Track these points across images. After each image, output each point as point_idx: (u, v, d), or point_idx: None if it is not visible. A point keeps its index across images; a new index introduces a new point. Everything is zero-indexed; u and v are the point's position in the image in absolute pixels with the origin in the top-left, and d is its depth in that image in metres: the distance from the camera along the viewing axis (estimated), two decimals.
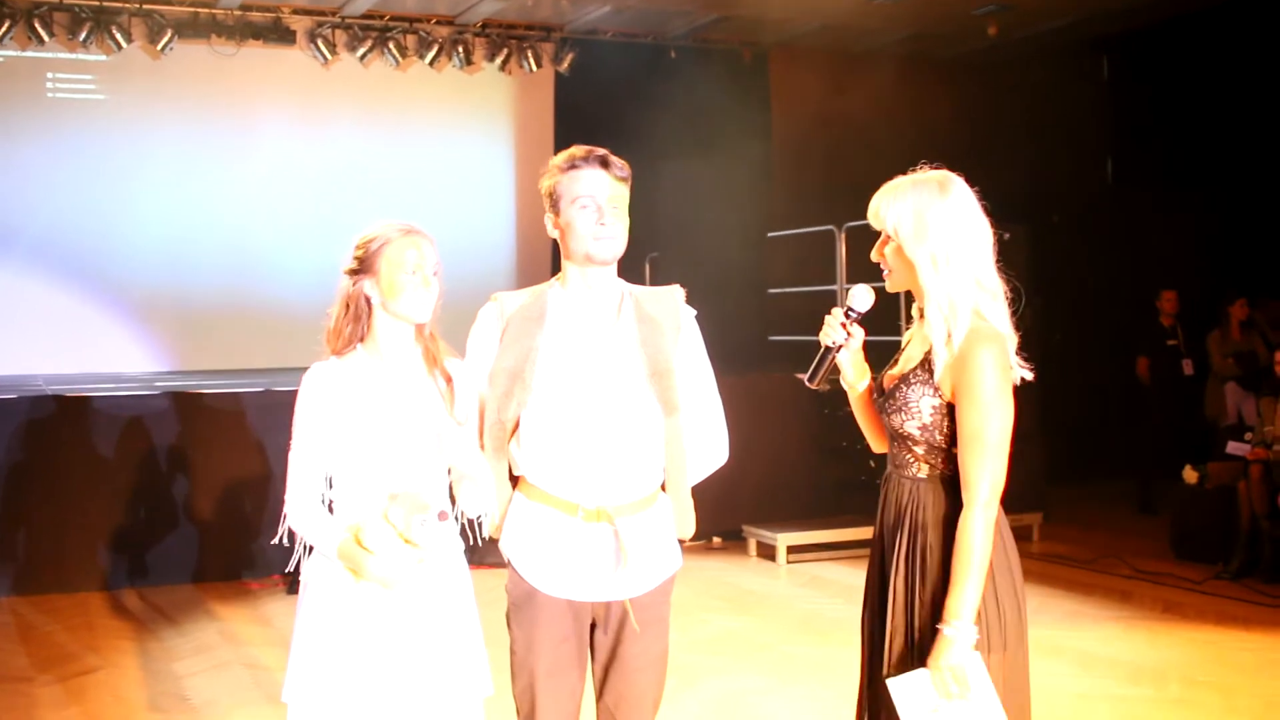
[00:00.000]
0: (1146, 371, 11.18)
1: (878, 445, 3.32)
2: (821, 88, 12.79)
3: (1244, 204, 12.10)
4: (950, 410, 2.96)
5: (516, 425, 3.40)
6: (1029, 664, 3.05)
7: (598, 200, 3.33)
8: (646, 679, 3.43)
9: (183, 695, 6.26)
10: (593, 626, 3.45)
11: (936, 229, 2.96)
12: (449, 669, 3.33)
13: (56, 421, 8.52)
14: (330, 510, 3.33)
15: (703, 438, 3.53)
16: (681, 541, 3.54)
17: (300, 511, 3.29)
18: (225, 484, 8.77)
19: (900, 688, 2.91)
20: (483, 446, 3.43)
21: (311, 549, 3.34)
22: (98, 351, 11.49)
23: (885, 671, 2.99)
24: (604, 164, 3.36)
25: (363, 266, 3.30)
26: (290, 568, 3.43)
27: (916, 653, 2.94)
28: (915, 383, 3.00)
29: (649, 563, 3.40)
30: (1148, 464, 11.20)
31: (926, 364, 2.99)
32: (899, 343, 3.20)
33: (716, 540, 9.73)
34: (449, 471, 3.39)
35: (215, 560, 8.77)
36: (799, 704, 6.03)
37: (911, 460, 3.04)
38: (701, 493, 3.57)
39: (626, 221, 3.40)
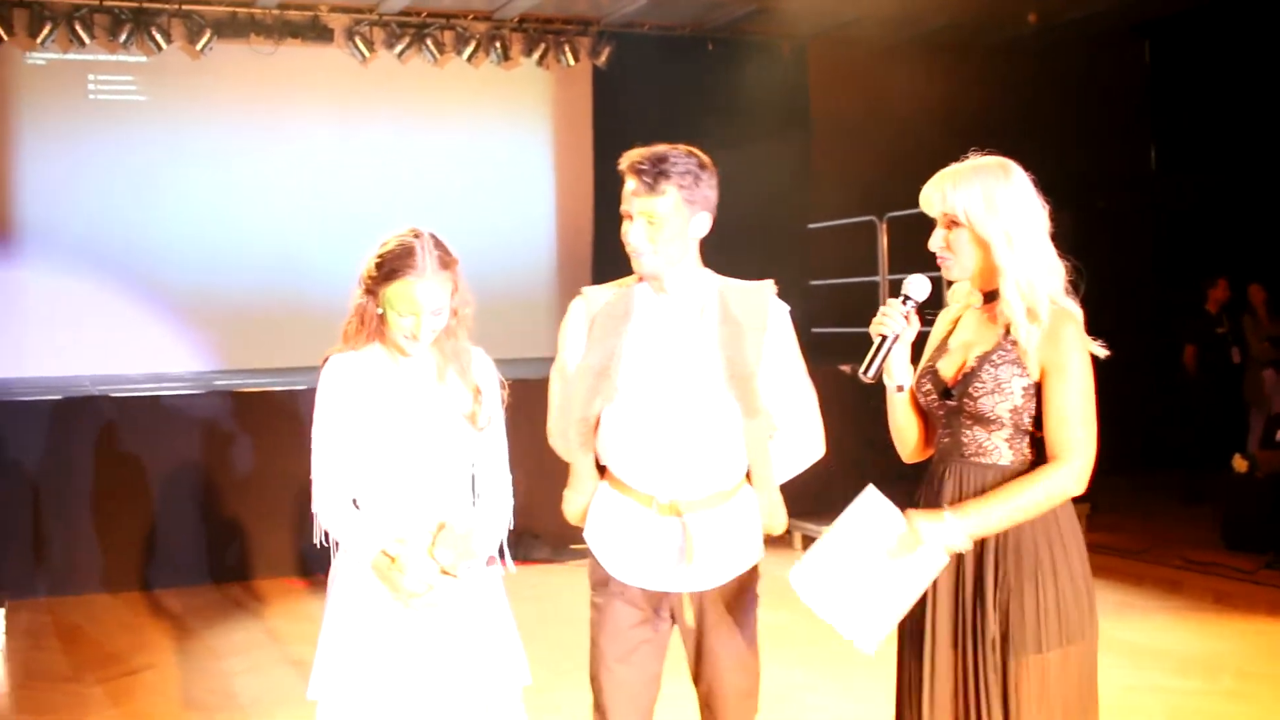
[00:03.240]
0: (1193, 360, 11.07)
1: (913, 450, 3.25)
2: (860, 78, 12.70)
3: None
4: (1038, 390, 2.94)
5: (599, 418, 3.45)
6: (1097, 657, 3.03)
7: (630, 212, 3.35)
8: (731, 670, 3.48)
9: (229, 693, 6.29)
10: (674, 618, 3.49)
11: (1007, 208, 2.95)
12: (484, 660, 3.35)
13: (102, 422, 8.56)
14: (356, 506, 3.34)
15: (793, 434, 3.53)
16: (768, 537, 3.56)
17: (331, 510, 3.30)
18: (269, 482, 8.79)
19: (868, 500, 2.98)
20: (564, 439, 3.52)
21: (334, 547, 3.35)
22: (141, 351, 11.55)
23: (984, 658, 2.97)
24: (635, 174, 3.33)
25: (370, 287, 3.29)
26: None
27: (1013, 643, 2.92)
28: (1002, 363, 2.96)
29: (719, 557, 3.42)
30: (1195, 453, 11.09)
31: (1009, 343, 2.96)
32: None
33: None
34: (473, 477, 3.43)
35: (257, 559, 8.80)
36: (842, 697, 6.00)
37: (993, 447, 3.00)
38: None
39: (671, 233, 3.33)
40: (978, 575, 2.97)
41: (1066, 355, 2.90)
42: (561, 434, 3.57)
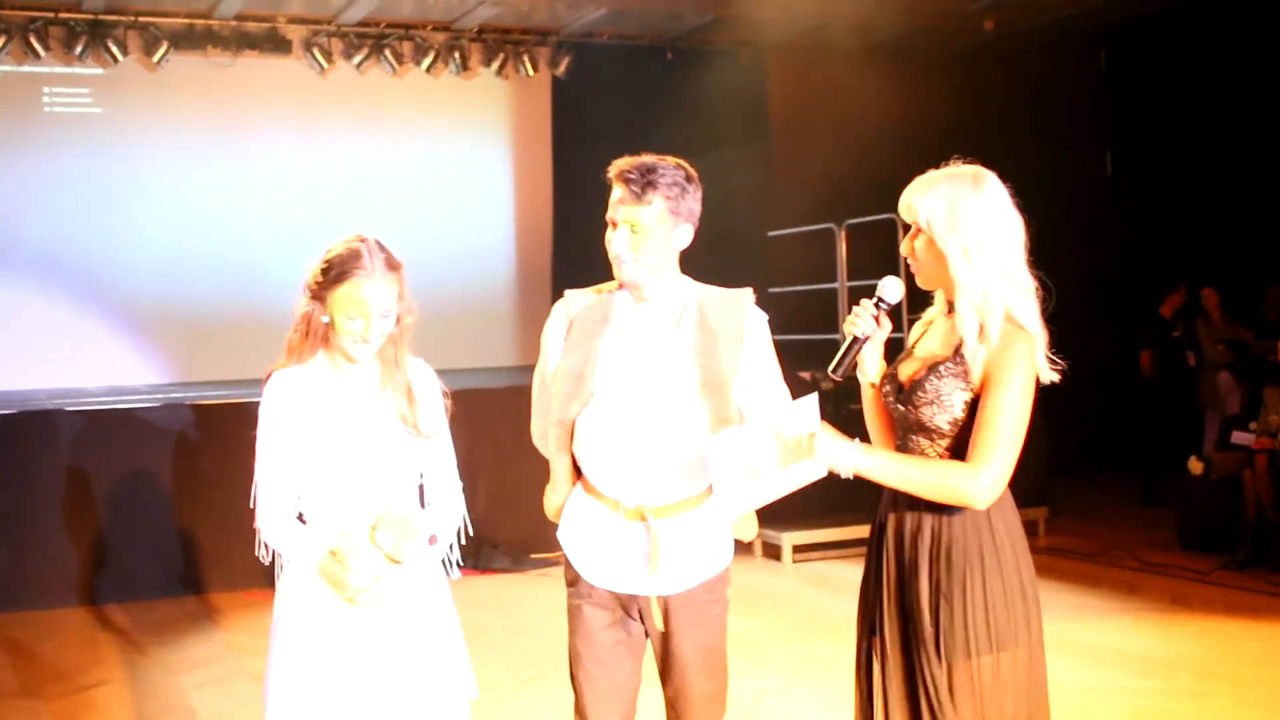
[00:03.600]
0: (1150, 364, 11.17)
1: (883, 442, 3.29)
2: (819, 87, 12.74)
3: (1242, 195, 12.06)
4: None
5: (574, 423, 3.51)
6: (1044, 661, 3.03)
7: (616, 220, 3.38)
8: (698, 674, 3.51)
9: (187, 708, 6.25)
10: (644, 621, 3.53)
11: (970, 222, 2.93)
12: (431, 673, 3.35)
13: (61, 436, 8.50)
14: (301, 521, 3.34)
15: None
16: (736, 544, 3.61)
17: (274, 524, 3.31)
18: (231, 494, 8.62)
19: (720, 446, 2.97)
20: (545, 441, 3.58)
21: (279, 561, 3.36)
22: (98, 364, 11.46)
23: (918, 661, 2.97)
24: (623, 183, 3.36)
25: (316, 293, 3.29)
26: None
27: (944, 647, 2.92)
28: (947, 375, 2.96)
29: (686, 562, 3.46)
30: (1152, 456, 11.20)
31: (958, 357, 2.96)
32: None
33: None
34: (420, 484, 3.45)
35: (217, 572, 8.74)
36: (807, 703, 6.02)
37: (935, 455, 3.01)
38: None
39: (655, 243, 3.36)
40: (914, 579, 2.99)
41: (1009, 371, 2.88)
42: (541, 435, 3.63)
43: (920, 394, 2.99)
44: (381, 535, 3.21)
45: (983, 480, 2.84)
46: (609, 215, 3.39)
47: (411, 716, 3.30)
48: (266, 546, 3.37)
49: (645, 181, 3.33)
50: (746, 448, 2.92)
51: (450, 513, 3.47)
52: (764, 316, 3.53)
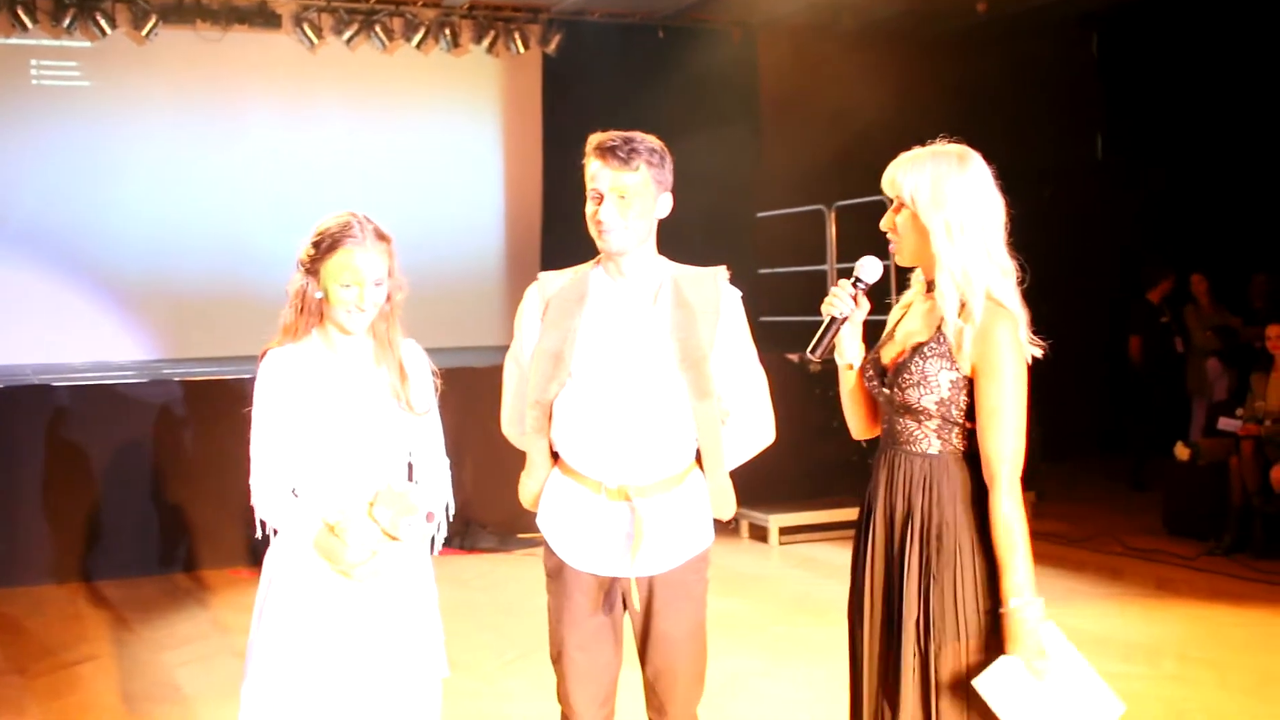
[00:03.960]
0: (1138, 349, 11.18)
1: (861, 427, 3.29)
2: (810, 67, 12.72)
3: (1232, 181, 12.07)
4: (968, 384, 2.95)
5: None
6: None
7: (601, 191, 3.38)
8: (680, 654, 3.52)
9: (173, 684, 6.25)
10: (625, 603, 3.54)
11: (954, 199, 2.94)
12: (405, 653, 3.39)
13: (47, 411, 8.48)
14: (294, 495, 3.39)
15: (744, 420, 3.58)
16: (718, 522, 3.62)
17: (268, 499, 3.35)
18: (218, 471, 8.70)
19: (988, 684, 2.87)
20: (518, 425, 3.60)
21: (273, 535, 3.40)
22: (86, 340, 11.42)
23: (904, 642, 2.97)
24: (606, 154, 3.38)
25: (309, 267, 3.35)
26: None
27: (934, 629, 2.93)
28: (931, 356, 2.97)
29: (669, 542, 3.47)
30: (1139, 441, 11.22)
31: (940, 336, 2.97)
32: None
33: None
34: (409, 461, 3.50)
35: (204, 549, 8.74)
36: (793, 684, 6.03)
37: (922, 436, 3.01)
38: None
39: (640, 209, 3.39)
40: (903, 560, 2.99)
41: (999, 356, 2.89)
42: (516, 420, 3.62)
43: (905, 376, 2.99)
44: (380, 511, 3.26)
45: (1008, 481, 2.90)
46: (592, 188, 3.40)
47: (384, 692, 3.35)
48: (261, 521, 3.40)
49: (630, 149, 3.36)
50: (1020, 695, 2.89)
51: (440, 490, 3.52)
52: (738, 294, 3.55)
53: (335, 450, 3.34)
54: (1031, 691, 2.87)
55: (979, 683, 2.87)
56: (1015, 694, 2.86)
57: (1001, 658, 2.88)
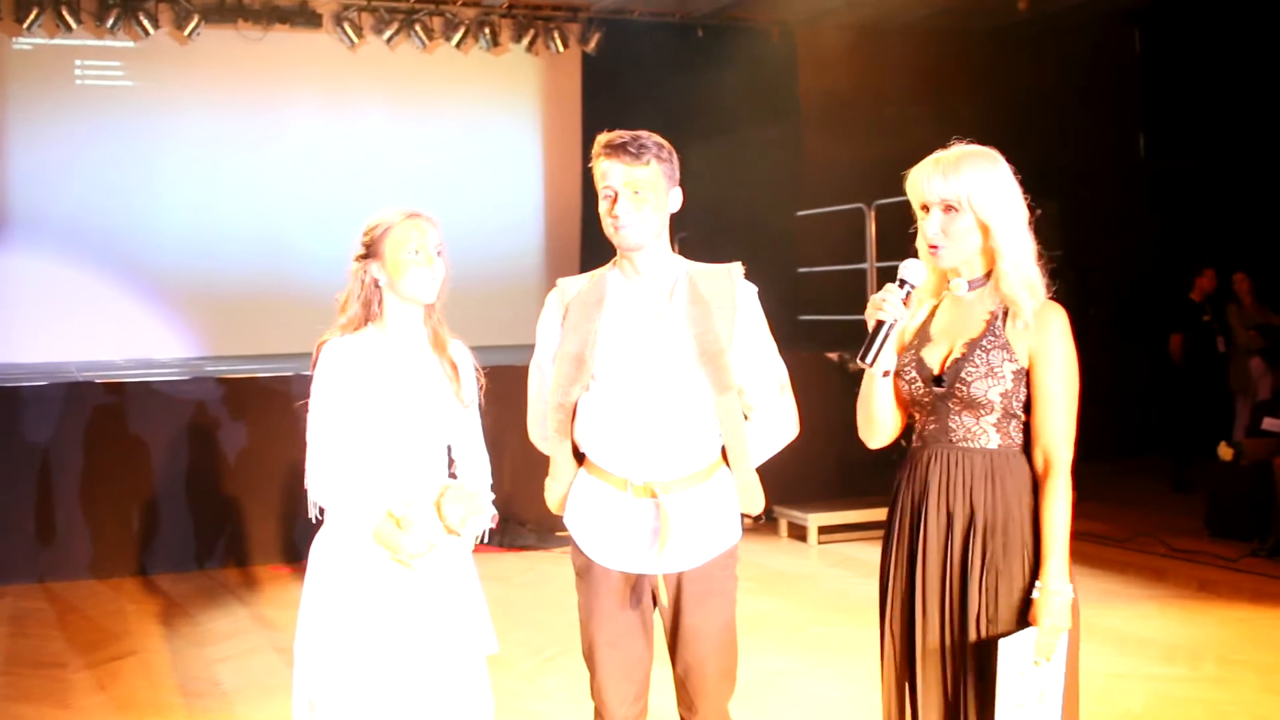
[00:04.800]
0: (1179, 349, 11.10)
1: (882, 432, 3.23)
2: (850, 65, 12.70)
3: (1275, 177, 11.95)
4: (1025, 376, 2.98)
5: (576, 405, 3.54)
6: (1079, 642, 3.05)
7: (615, 188, 3.41)
8: (710, 650, 3.53)
9: (214, 680, 6.28)
10: (654, 599, 3.55)
11: (1004, 195, 3.00)
12: (458, 630, 3.47)
13: (89, 408, 8.54)
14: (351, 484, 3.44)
15: (767, 414, 3.59)
16: (745, 517, 3.63)
17: (326, 485, 3.40)
18: (259, 469, 8.78)
19: (1010, 648, 2.89)
20: (543, 429, 3.65)
21: (323, 521, 3.47)
22: (128, 338, 11.54)
23: (967, 637, 2.98)
24: (616, 151, 3.40)
25: (369, 251, 3.44)
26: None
27: (1002, 621, 2.95)
28: (992, 348, 3.00)
29: (696, 538, 3.48)
30: (1181, 441, 11.14)
31: (996, 329, 3.00)
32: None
33: (747, 521, 9.67)
34: (449, 451, 3.59)
35: (248, 545, 8.79)
36: (830, 684, 6.01)
37: (980, 431, 3.03)
38: None
39: (654, 204, 3.41)
40: (965, 555, 2.99)
41: (1057, 344, 2.95)
42: (540, 424, 3.67)
43: (969, 370, 3.00)
44: (450, 508, 3.36)
45: (1066, 467, 2.97)
46: (605, 186, 3.42)
47: (441, 668, 3.43)
48: (320, 509, 3.46)
49: (639, 145, 3.40)
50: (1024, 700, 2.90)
51: (485, 485, 3.62)
52: (754, 289, 3.57)
53: (393, 439, 3.42)
54: (1024, 673, 2.89)
55: (1005, 643, 2.89)
56: (1017, 667, 2.88)
57: (1030, 629, 2.91)
